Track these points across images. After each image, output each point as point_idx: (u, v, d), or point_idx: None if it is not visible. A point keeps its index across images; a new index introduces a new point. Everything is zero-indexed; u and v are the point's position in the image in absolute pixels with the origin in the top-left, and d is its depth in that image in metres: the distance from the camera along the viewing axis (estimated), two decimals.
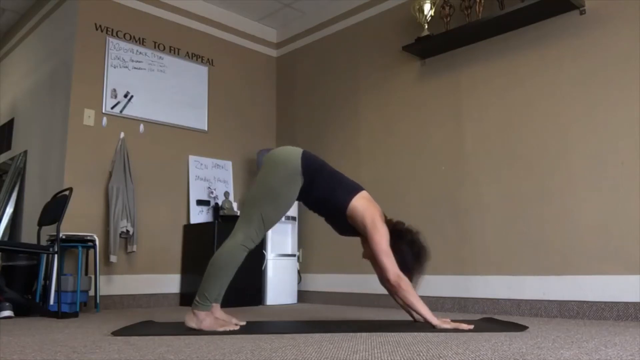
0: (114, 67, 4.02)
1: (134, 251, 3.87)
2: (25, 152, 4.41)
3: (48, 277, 3.31)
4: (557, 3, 3.06)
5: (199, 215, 4.31)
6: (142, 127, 4.10)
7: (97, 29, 3.98)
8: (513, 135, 3.30)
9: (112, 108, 3.96)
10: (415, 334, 2.02)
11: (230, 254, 2.24)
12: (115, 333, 2.11)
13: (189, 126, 4.39)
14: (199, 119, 4.48)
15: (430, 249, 2.36)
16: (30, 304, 3.22)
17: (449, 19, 3.60)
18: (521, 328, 2.19)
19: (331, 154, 4.22)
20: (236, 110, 4.77)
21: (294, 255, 4.37)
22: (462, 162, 3.53)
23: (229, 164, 4.63)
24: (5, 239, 4.28)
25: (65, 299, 3.28)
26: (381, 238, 2.23)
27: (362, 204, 2.30)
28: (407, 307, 2.38)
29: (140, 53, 4.19)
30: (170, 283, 4.11)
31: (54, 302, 3.17)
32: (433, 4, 3.64)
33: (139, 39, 4.21)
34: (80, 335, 2.09)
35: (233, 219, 4.09)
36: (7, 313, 2.95)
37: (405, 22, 3.97)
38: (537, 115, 3.20)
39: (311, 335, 2.00)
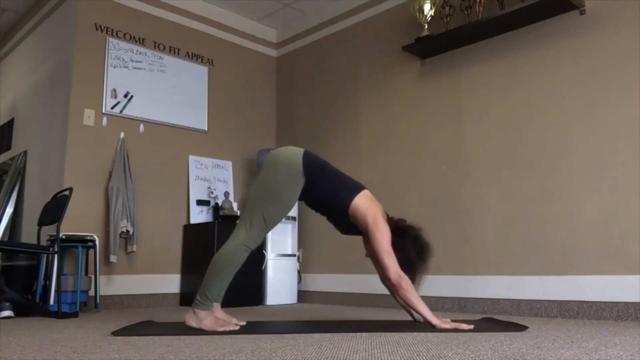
0: (114, 67, 4.02)
1: (134, 251, 3.87)
2: (25, 152, 4.41)
3: (48, 277, 3.31)
4: (557, 3, 3.06)
5: (199, 215, 4.31)
6: (142, 127, 4.10)
7: (97, 29, 3.98)
8: (513, 135, 3.30)
9: (112, 108, 3.96)
10: (415, 334, 2.02)
11: (232, 254, 2.24)
12: (115, 333, 2.11)
13: (189, 126, 4.39)
14: (199, 119, 4.48)
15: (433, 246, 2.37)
16: (30, 304, 3.22)
17: (449, 19, 3.60)
18: (521, 328, 2.19)
19: (331, 154, 4.21)
20: (236, 110, 4.77)
21: (294, 255, 4.37)
22: (462, 162, 3.53)
23: (229, 164, 4.63)
24: (5, 239, 4.27)
25: (65, 299, 3.28)
26: (383, 237, 2.23)
27: (364, 203, 2.30)
28: (408, 307, 2.38)
29: (140, 53, 4.18)
30: (170, 283, 4.11)
31: (54, 302, 3.17)
32: (433, 4, 3.64)
33: (139, 39, 4.21)
34: (80, 335, 2.09)
35: (233, 219, 4.10)
36: (7, 313, 2.95)
37: (405, 22, 3.97)
38: (537, 115, 3.20)
39: (311, 335, 2.00)
